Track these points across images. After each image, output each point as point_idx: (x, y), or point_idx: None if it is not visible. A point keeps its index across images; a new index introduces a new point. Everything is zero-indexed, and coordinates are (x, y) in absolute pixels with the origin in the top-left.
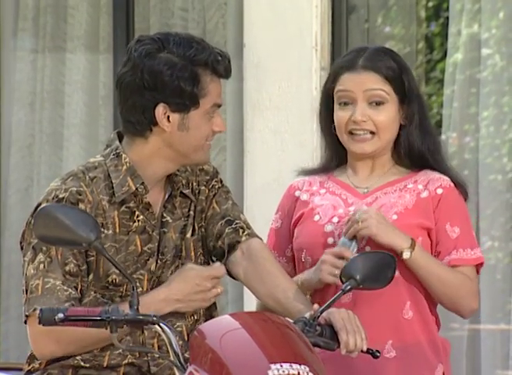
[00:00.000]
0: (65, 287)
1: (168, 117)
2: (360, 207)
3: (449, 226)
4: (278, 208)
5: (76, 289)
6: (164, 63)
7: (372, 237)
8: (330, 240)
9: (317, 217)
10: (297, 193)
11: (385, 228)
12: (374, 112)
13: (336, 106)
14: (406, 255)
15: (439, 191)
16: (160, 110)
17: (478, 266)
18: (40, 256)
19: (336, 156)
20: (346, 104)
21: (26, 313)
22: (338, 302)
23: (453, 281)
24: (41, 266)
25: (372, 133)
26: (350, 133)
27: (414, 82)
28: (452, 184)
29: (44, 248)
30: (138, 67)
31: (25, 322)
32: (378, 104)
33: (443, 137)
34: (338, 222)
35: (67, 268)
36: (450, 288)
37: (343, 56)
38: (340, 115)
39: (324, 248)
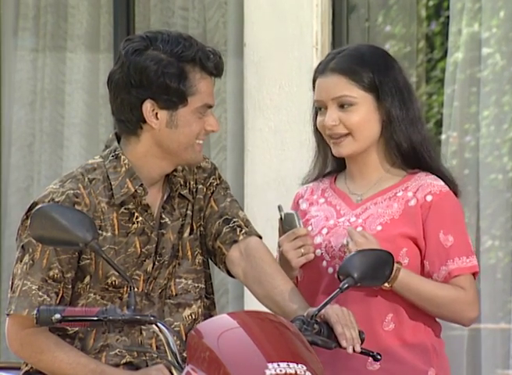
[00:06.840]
0: (41, 293)
1: (157, 114)
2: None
3: (443, 234)
4: None
5: (57, 295)
6: (150, 59)
7: None
8: (318, 252)
9: (309, 228)
10: (300, 201)
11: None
12: (344, 114)
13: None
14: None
15: (429, 197)
16: (147, 107)
17: (474, 274)
18: (26, 257)
19: (331, 162)
20: (321, 109)
21: (6, 312)
22: None
23: (445, 300)
24: (24, 267)
25: (346, 135)
26: (330, 137)
27: (393, 77)
28: (445, 190)
29: (31, 250)
30: (125, 64)
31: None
32: (349, 105)
33: (444, 136)
34: (327, 233)
35: (51, 273)
36: (444, 307)
37: (325, 56)
38: (318, 120)
39: (312, 260)
